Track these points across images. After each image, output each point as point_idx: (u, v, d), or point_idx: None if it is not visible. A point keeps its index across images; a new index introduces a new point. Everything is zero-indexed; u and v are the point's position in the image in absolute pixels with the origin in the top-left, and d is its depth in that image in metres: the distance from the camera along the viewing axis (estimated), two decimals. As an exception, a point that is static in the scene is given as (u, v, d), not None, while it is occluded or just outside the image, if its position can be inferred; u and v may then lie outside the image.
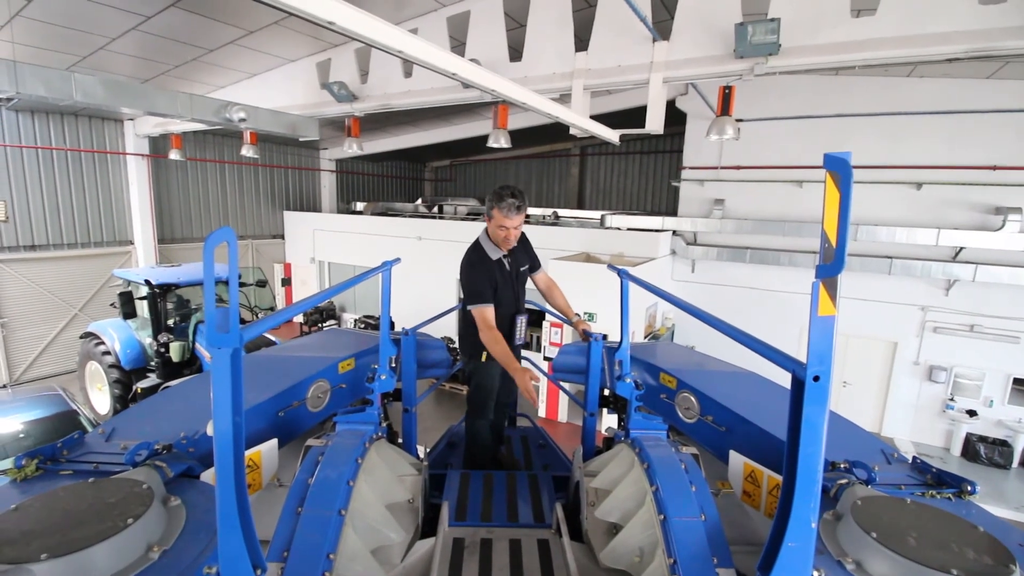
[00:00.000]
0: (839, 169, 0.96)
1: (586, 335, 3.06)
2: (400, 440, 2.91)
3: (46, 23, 6.95)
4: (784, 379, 1.81)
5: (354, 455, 1.97)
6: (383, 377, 2.52)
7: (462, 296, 3.24)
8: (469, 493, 2.64)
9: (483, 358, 3.16)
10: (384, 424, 2.54)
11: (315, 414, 2.67)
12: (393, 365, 2.74)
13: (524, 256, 3.31)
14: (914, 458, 2.15)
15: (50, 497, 1.50)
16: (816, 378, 1.03)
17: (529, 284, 3.43)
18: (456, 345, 3.58)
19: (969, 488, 1.88)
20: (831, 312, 1.00)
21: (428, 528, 2.20)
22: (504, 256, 3.15)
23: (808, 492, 1.09)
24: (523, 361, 3.54)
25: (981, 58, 4.91)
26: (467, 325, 3.20)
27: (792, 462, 1.10)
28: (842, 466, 1.94)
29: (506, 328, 3.17)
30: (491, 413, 3.34)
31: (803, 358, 1.08)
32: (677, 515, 1.67)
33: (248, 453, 1.99)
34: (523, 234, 3.25)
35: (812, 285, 1.00)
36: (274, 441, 2.12)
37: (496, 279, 3.07)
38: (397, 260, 2.70)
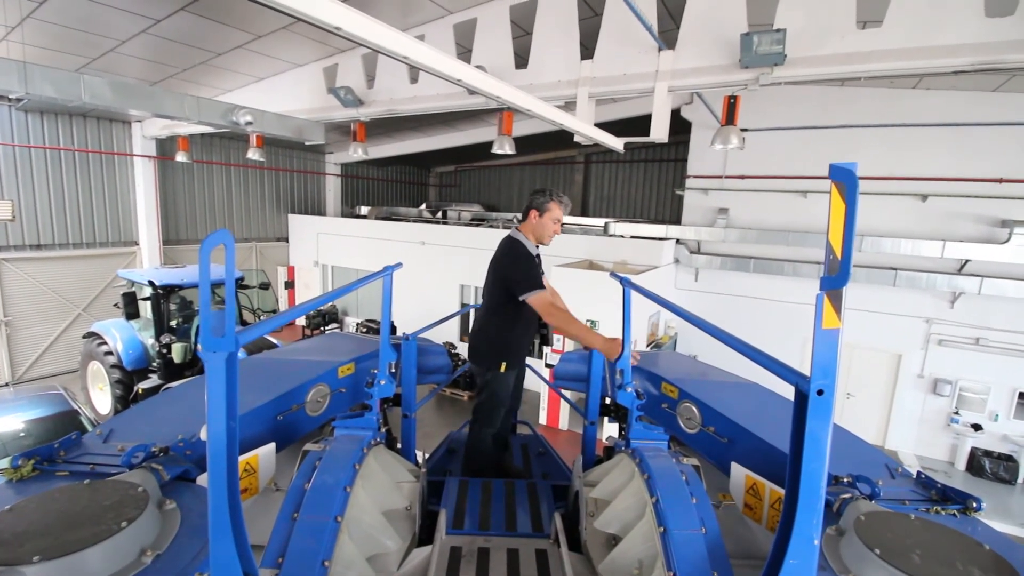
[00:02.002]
0: (845, 180, 0.94)
1: None
2: (399, 446, 2.90)
3: (56, 25, 7.02)
4: (787, 390, 1.79)
5: (352, 461, 1.96)
6: (382, 382, 2.51)
7: (486, 294, 3.17)
8: (467, 501, 2.62)
9: (502, 368, 3.07)
10: (383, 430, 2.53)
11: (314, 418, 2.66)
12: (393, 370, 2.73)
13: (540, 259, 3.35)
14: (919, 473, 2.12)
15: (45, 498, 1.49)
16: (820, 392, 1.02)
17: None
18: (457, 351, 3.56)
19: (975, 505, 1.85)
20: (836, 325, 0.98)
21: (425, 536, 2.17)
22: (537, 253, 3.15)
23: (811, 508, 1.07)
24: (526, 369, 3.50)
25: (987, 71, 4.89)
26: (484, 331, 3.14)
27: (795, 477, 1.08)
28: (845, 480, 1.91)
29: (536, 332, 3.20)
30: (499, 423, 3.28)
31: (807, 371, 1.07)
32: (677, 528, 1.65)
33: (245, 457, 1.98)
34: None
35: (816, 297, 0.98)
36: (272, 445, 2.11)
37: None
38: (399, 265, 2.69)
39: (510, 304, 2.97)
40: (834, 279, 0.98)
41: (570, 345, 9.05)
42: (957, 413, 9.60)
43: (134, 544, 1.37)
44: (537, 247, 3.13)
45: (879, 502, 1.79)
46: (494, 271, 3.10)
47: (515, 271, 2.97)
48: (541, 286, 2.90)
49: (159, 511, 1.54)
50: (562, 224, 3.13)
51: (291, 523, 1.62)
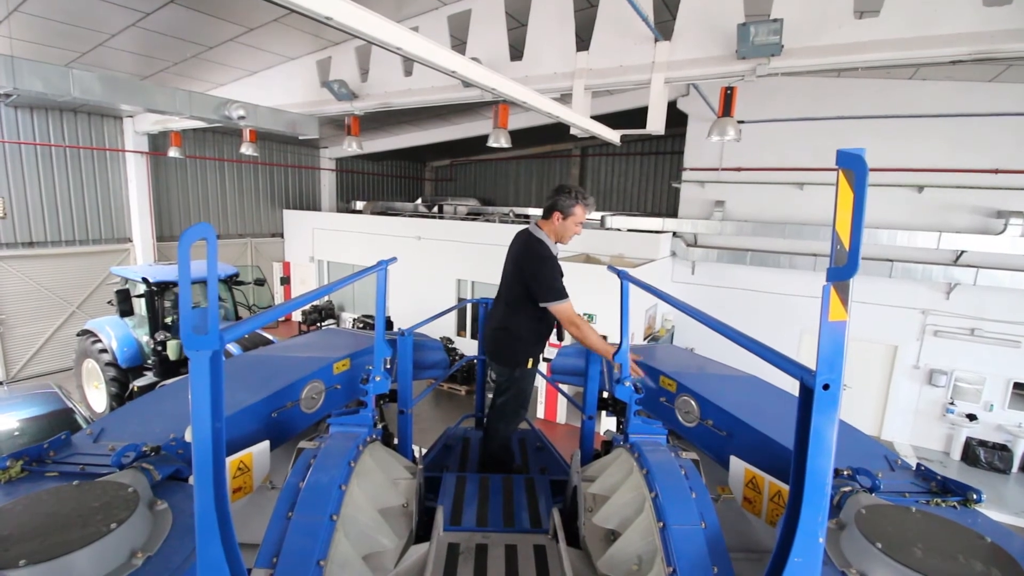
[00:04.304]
0: (853, 166, 0.91)
1: None
2: (395, 442, 2.87)
3: (45, 19, 6.91)
4: (785, 382, 1.76)
5: (347, 458, 1.93)
6: (377, 379, 2.48)
7: (507, 291, 3.07)
8: (465, 497, 2.60)
9: (529, 364, 3.03)
10: (379, 426, 2.50)
11: (309, 415, 2.63)
12: (388, 366, 2.70)
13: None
14: (918, 465, 2.11)
15: (33, 500, 1.46)
16: (826, 386, 0.99)
17: None
18: (454, 345, 3.55)
19: (975, 496, 1.84)
20: (842, 317, 0.95)
21: (423, 533, 2.15)
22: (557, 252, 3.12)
23: (816, 505, 1.05)
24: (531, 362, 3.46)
25: (984, 61, 4.86)
26: (508, 329, 3.06)
27: (799, 474, 1.06)
28: (845, 473, 1.90)
29: (553, 327, 3.13)
30: (522, 420, 3.26)
31: (804, 362, 1.04)
32: (677, 523, 1.63)
33: (239, 455, 1.95)
34: None
35: (823, 289, 0.95)
36: (266, 443, 2.08)
37: None
38: (393, 259, 2.65)
39: (532, 303, 2.93)
40: (841, 270, 0.95)
41: (566, 339, 9.04)
42: (952, 403, 9.65)
43: (124, 546, 1.34)
44: (556, 245, 3.08)
45: (879, 495, 1.78)
46: (519, 270, 3.00)
47: (541, 276, 2.90)
48: (566, 295, 2.86)
49: (150, 512, 1.51)
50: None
51: (285, 522, 1.60)
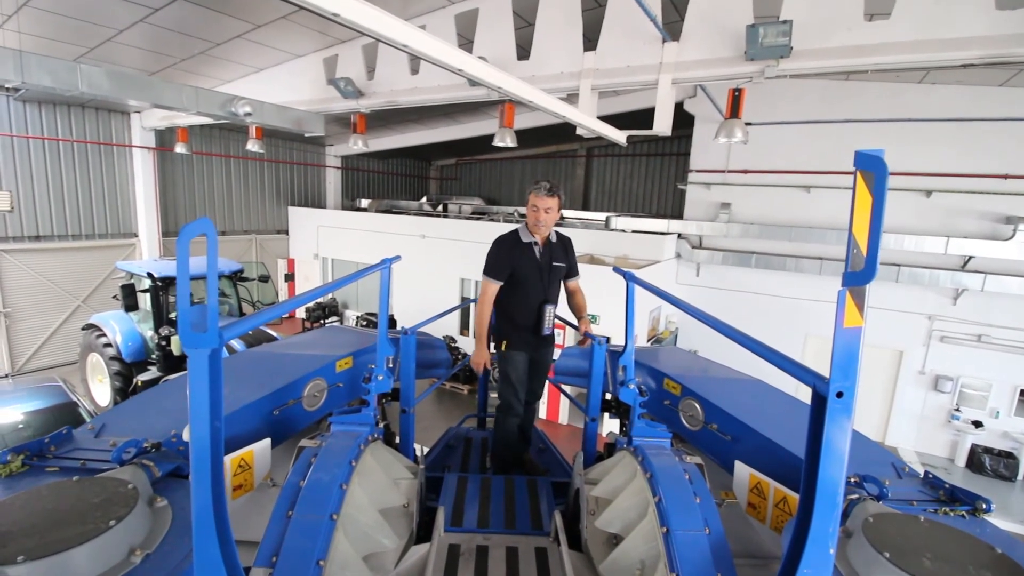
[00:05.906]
0: (873, 168, 0.88)
1: (586, 336, 3.03)
2: (397, 441, 2.86)
3: (53, 13, 6.94)
4: (788, 384, 1.74)
5: (348, 457, 1.92)
6: (380, 378, 2.47)
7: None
8: (466, 498, 2.59)
9: (503, 347, 3.19)
10: (381, 425, 2.49)
11: (311, 413, 2.62)
12: (391, 365, 2.68)
13: (562, 255, 3.33)
14: (926, 473, 2.08)
15: (32, 495, 1.45)
16: (840, 394, 0.97)
17: None
18: (457, 345, 3.57)
19: (984, 506, 1.81)
20: (858, 323, 0.93)
21: (423, 533, 2.14)
22: (535, 243, 3.18)
23: (827, 516, 1.03)
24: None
25: (995, 65, 4.82)
26: (494, 316, 3.29)
27: (810, 483, 1.04)
28: (852, 480, 1.87)
29: (533, 317, 3.22)
30: (520, 409, 3.28)
31: (809, 367, 1.02)
32: (680, 528, 1.61)
33: (240, 452, 1.94)
34: (568, 239, 3.40)
35: (838, 294, 0.93)
36: (267, 441, 2.07)
37: (519, 260, 3.13)
38: (397, 257, 2.64)
39: (502, 288, 3.14)
40: (858, 275, 0.92)
41: (570, 340, 9.00)
42: (958, 410, 9.58)
43: (123, 543, 1.33)
44: (543, 239, 3.22)
45: (887, 503, 1.75)
46: None
47: (487, 256, 3.17)
48: (495, 276, 3.12)
49: (150, 509, 1.50)
50: (545, 211, 3.10)
51: (285, 521, 1.58)
